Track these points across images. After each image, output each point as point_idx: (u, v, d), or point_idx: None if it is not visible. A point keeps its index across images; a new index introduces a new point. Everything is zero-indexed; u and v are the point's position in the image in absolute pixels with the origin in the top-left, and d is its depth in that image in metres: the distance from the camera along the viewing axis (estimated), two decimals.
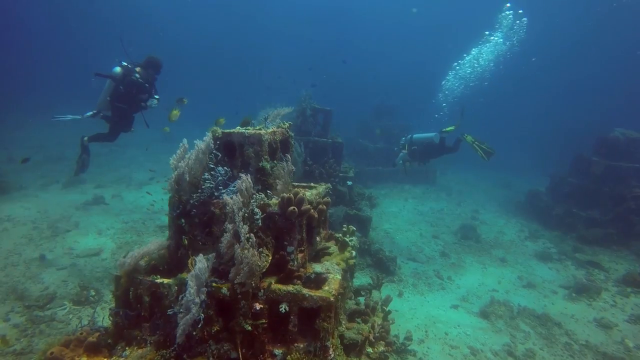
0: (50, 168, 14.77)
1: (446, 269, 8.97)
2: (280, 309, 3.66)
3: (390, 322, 5.12)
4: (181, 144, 4.30)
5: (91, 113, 7.24)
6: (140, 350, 3.78)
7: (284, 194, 3.91)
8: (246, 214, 3.79)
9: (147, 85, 7.26)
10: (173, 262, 4.32)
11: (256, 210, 3.80)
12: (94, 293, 6.12)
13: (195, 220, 4.24)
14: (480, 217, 13.84)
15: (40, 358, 3.58)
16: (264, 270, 3.78)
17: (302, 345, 3.67)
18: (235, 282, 3.57)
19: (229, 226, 3.70)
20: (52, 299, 6.03)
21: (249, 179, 3.90)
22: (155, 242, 4.17)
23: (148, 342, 3.89)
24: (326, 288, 3.80)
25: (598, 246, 11.28)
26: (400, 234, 11.24)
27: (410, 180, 18.37)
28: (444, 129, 9.39)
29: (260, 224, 3.83)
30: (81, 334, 3.77)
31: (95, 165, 16.27)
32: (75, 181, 12.94)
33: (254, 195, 3.95)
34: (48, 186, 12.42)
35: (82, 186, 12.83)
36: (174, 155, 4.23)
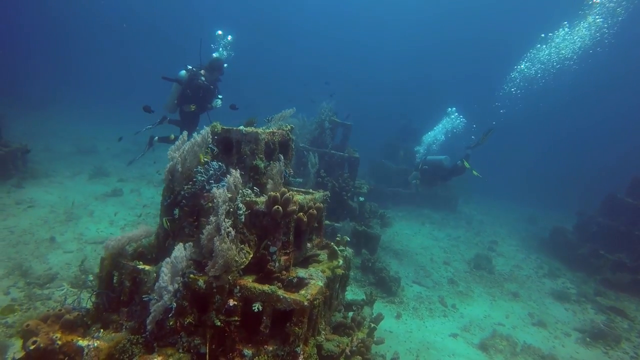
0: (80, 159, 15.49)
1: (452, 297, 8.58)
2: (254, 308, 3.60)
3: (375, 338, 4.92)
4: (181, 136, 4.40)
5: (159, 120, 7.67)
6: (113, 334, 3.79)
7: (271, 193, 3.90)
8: (231, 209, 3.80)
9: (212, 87, 7.67)
10: (161, 251, 4.36)
11: (240, 205, 3.80)
12: (92, 278, 6.25)
13: (185, 211, 4.29)
14: (498, 249, 13.25)
15: (17, 329, 3.67)
16: (242, 267, 3.75)
17: (271, 348, 3.58)
18: (210, 274, 3.55)
19: (213, 219, 3.71)
20: (53, 279, 6.21)
21: (238, 175, 3.91)
22: (142, 227, 4.24)
23: (124, 327, 3.91)
24: (302, 292, 3.71)
25: (624, 292, 10.50)
26: (410, 256, 10.91)
27: (430, 205, 17.97)
28: (464, 161, 9.61)
29: (243, 220, 3.82)
30: (60, 310, 3.83)
31: (123, 161, 16.98)
32: (100, 173, 13.50)
33: (242, 191, 3.96)
34: (75, 176, 13.00)
35: (106, 178, 13.34)
36: (172, 146, 4.33)
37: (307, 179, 9.98)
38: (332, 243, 5.01)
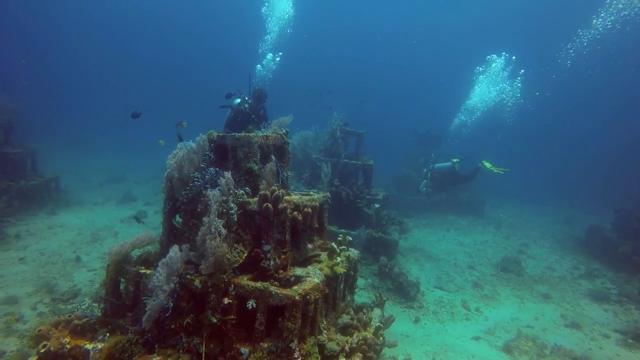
0: (111, 187, 16.31)
1: (476, 300, 8.21)
2: (248, 306, 3.63)
3: (385, 340, 4.78)
4: (178, 146, 4.59)
5: None
6: (119, 338, 3.92)
7: (262, 192, 3.97)
8: (224, 209, 3.89)
9: (253, 115, 8.27)
10: (164, 256, 4.50)
11: (232, 205, 3.89)
12: None
13: (185, 216, 4.43)
14: (528, 252, 12.61)
15: (31, 334, 3.88)
16: (236, 265, 3.81)
17: (266, 345, 3.58)
18: (203, 272, 3.63)
19: (205, 219, 3.81)
20: (76, 295, 6.51)
21: (230, 176, 4.02)
22: (145, 233, 4.41)
23: (130, 331, 4.03)
24: (295, 287, 3.71)
25: None
26: (432, 261, 10.59)
27: (455, 211, 17.46)
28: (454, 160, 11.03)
29: (235, 219, 3.90)
30: (69, 316, 4.02)
31: (150, 187, 17.72)
32: (128, 198, 14.15)
33: (234, 192, 4.06)
34: (104, 202, 13.68)
35: (133, 203, 13.94)
36: (170, 154, 4.52)
37: (321, 189, 10.01)
38: (332, 243, 4.98)
